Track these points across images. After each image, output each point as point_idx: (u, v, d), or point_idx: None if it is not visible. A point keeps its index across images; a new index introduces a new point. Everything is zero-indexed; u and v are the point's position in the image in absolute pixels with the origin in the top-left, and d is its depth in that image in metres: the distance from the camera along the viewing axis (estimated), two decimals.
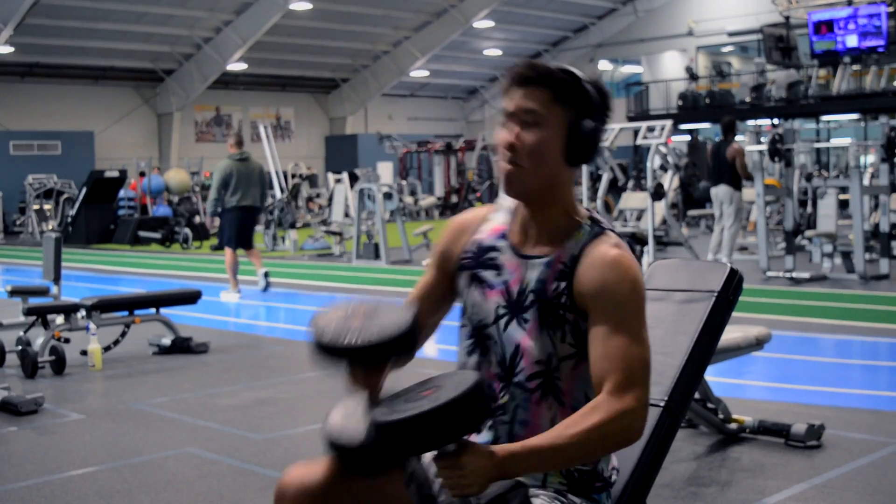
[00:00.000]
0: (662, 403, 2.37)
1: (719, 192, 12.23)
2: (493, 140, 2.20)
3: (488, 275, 2.14)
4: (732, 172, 12.00)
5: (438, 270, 2.26)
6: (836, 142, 26.97)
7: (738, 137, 13.61)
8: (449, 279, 2.24)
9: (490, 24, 32.45)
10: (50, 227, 22.17)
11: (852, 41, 23.42)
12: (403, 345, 2.03)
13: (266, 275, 11.45)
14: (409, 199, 26.15)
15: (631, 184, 15.84)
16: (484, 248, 2.17)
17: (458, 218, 2.30)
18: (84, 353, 7.04)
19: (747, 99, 25.91)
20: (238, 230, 11.02)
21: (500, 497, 1.96)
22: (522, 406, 2.06)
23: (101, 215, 21.41)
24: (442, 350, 8.09)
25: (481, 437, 2.08)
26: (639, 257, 11.55)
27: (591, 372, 1.99)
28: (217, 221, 11.23)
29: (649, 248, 11.97)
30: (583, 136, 2.05)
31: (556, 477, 2.06)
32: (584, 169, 13.18)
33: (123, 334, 7.39)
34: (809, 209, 14.32)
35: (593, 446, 1.94)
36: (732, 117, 13.19)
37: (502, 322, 2.10)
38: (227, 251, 11.10)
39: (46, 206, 23.02)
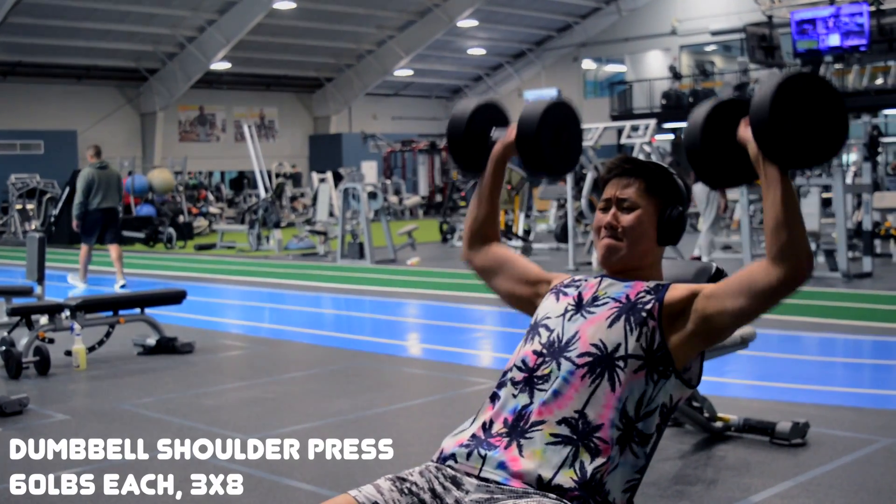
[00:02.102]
0: None
1: (696, 190, 12.24)
2: (592, 224, 2.52)
3: (568, 289, 2.39)
4: None
5: (533, 283, 2.53)
6: None
7: None
8: (533, 293, 2.51)
9: (474, 23, 32.45)
10: (33, 227, 22.07)
11: (834, 40, 23.50)
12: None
13: (122, 287, 12.08)
14: (393, 199, 26.17)
15: None
16: (575, 279, 2.43)
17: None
18: (68, 353, 7.01)
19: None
20: (102, 229, 12.21)
21: None
22: (563, 377, 2.17)
23: None
24: (427, 349, 8.10)
25: (517, 401, 2.19)
26: None
27: (746, 282, 2.16)
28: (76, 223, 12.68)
29: None
30: (672, 220, 2.33)
31: (568, 471, 2.08)
32: None
33: (108, 334, 7.37)
34: None
35: (800, 220, 2.10)
36: None
37: (567, 315, 2.29)
38: (84, 246, 12.27)
39: (29, 206, 22.89)
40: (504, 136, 2.57)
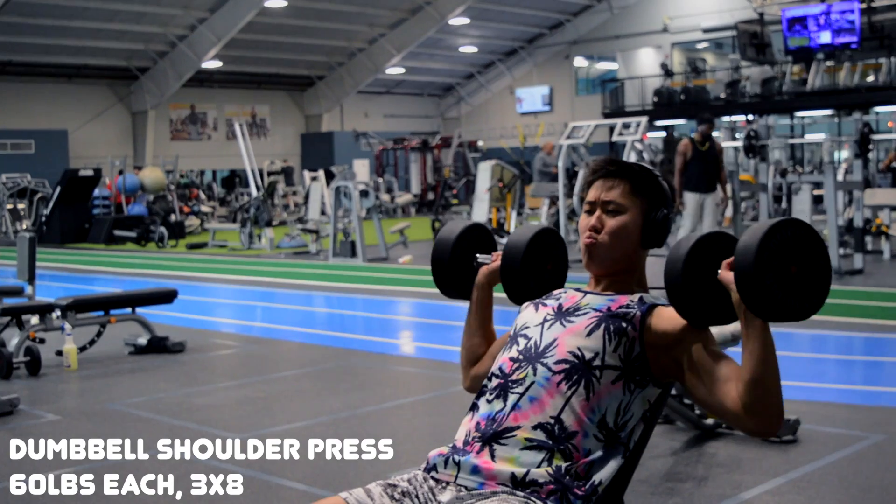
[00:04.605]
0: None
1: (687, 198, 11.62)
2: (579, 226, 2.39)
3: (548, 301, 2.36)
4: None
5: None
6: (810, 137, 27.11)
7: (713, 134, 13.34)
8: None
9: (465, 21, 32.44)
10: (24, 227, 22.02)
11: (826, 37, 23.58)
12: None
13: None
14: (385, 197, 26.14)
15: None
16: (554, 292, 2.40)
17: None
18: (59, 353, 7.00)
19: (722, 95, 26.03)
20: None
21: None
22: (539, 383, 2.16)
23: (76, 214, 21.27)
24: (419, 348, 8.10)
25: (491, 406, 2.19)
26: None
27: (720, 394, 2.07)
28: None
29: None
30: (657, 222, 2.29)
31: (544, 468, 2.08)
32: (560, 165, 13.21)
33: (99, 334, 7.35)
34: (784, 204, 14.41)
35: (776, 377, 2.02)
36: (704, 115, 12.81)
37: (546, 324, 2.26)
38: None
39: (20, 206, 22.84)
40: (489, 263, 2.53)
